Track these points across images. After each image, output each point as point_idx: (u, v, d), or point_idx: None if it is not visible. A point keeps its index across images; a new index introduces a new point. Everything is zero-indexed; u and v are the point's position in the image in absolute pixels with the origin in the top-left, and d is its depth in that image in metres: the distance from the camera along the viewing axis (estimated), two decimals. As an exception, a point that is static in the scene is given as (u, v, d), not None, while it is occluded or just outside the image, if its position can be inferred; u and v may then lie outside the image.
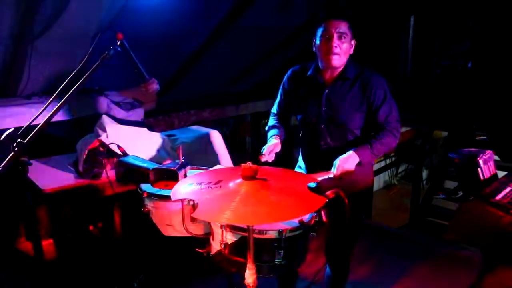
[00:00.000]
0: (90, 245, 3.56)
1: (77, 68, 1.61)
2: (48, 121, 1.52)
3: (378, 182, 6.58)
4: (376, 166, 6.26)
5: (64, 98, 1.55)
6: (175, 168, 1.55)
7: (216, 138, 3.21)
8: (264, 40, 4.23)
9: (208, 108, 4.73)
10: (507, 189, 1.67)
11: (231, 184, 1.36)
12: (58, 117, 3.37)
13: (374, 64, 5.21)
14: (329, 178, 1.99)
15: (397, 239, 3.67)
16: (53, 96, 1.58)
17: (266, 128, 2.32)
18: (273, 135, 2.21)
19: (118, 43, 1.60)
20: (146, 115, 4.00)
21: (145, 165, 1.72)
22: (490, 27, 4.21)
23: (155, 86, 1.71)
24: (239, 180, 1.37)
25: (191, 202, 1.31)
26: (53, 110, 1.51)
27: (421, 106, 4.85)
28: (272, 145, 2.12)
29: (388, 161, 6.51)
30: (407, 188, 5.61)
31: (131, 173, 1.72)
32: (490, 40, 4.20)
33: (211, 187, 1.35)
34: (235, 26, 3.68)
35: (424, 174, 6.52)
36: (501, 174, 4.30)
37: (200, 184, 1.39)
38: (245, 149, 5.73)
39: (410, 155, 5.74)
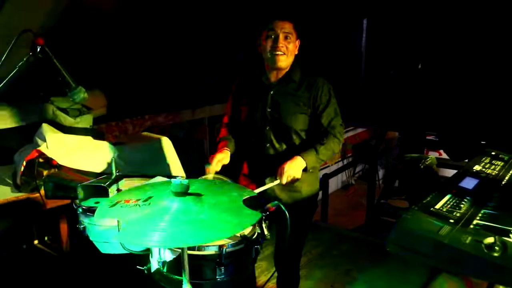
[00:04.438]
0: (32, 261, 3.37)
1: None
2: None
3: (336, 183, 6.67)
4: (334, 167, 6.33)
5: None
6: (105, 184, 1.45)
7: (166, 145, 3.11)
8: (219, 42, 4.16)
9: (163, 112, 4.61)
10: (447, 197, 1.66)
11: (161, 201, 1.27)
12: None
13: (328, 66, 5.24)
14: (277, 185, 1.97)
15: (352, 242, 3.71)
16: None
17: (217, 140, 2.26)
18: (223, 147, 2.15)
19: (39, 49, 1.48)
20: (97, 121, 3.84)
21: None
22: (438, 29, 4.32)
23: (82, 95, 1.60)
24: (170, 196, 1.29)
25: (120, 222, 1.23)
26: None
27: (375, 107, 4.92)
28: (220, 156, 2.06)
29: (345, 161, 6.61)
30: (364, 188, 5.69)
31: (60, 189, 1.61)
32: (439, 41, 4.32)
33: (139, 205, 1.26)
34: (185, 27, 3.59)
35: (380, 173, 6.67)
36: (449, 172, 4.44)
37: (129, 201, 1.30)
38: (203, 152, 5.64)
39: (365, 155, 5.83)
